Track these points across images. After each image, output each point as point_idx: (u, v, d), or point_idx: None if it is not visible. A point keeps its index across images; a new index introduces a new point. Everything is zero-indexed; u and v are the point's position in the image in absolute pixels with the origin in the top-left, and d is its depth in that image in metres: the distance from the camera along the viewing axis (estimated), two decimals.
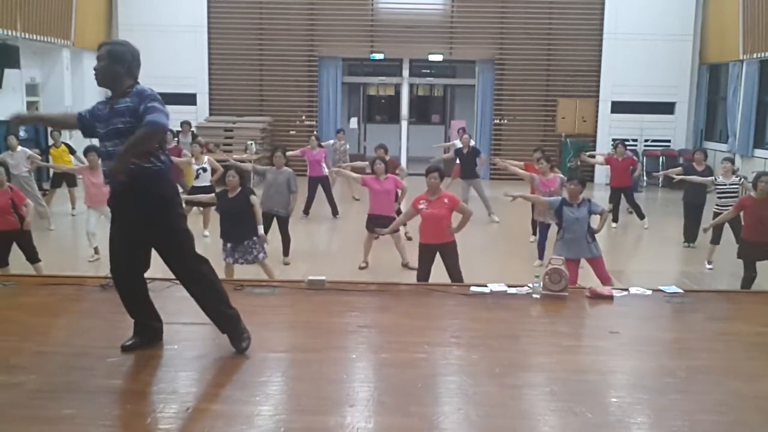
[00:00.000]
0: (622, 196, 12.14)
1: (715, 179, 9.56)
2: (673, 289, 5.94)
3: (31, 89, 16.00)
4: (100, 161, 8.79)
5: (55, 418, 3.44)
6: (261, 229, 7.36)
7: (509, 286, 5.83)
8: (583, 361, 4.42)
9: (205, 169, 10.39)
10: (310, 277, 5.84)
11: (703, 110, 18.41)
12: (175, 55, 17.52)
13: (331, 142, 14.44)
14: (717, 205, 9.35)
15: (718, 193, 9.33)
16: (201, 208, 10.47)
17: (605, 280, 6.80)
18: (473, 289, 5.81)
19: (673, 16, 17.72)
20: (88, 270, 8.33)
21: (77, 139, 15.57)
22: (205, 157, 10.60)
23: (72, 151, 12.75)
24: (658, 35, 17.57)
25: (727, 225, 8.88)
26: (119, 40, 4.36)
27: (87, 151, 9.54)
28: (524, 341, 4.77)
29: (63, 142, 12.87)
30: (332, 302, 5.48)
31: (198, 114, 18.10)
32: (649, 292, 5.83)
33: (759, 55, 15.42)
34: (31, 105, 15.98)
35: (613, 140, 15.86)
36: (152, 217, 4.10)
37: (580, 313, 5.50)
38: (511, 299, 5.62)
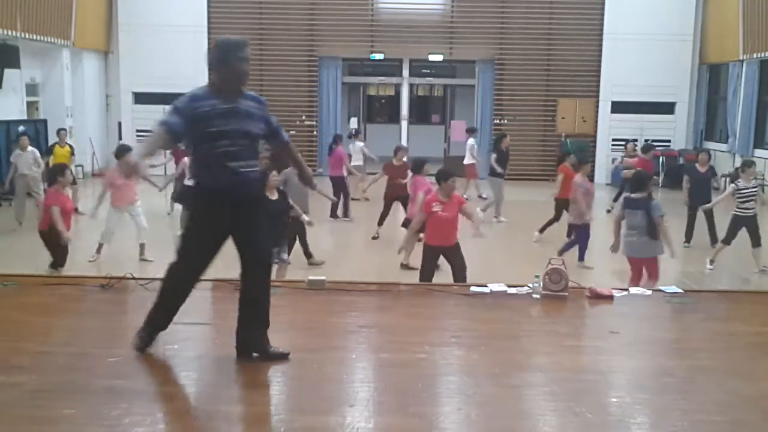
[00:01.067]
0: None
1: (737, 184, 9.46)
2: (673, 289, 5.94)
3: (31, 89, 16.00)
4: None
5: (55, 418, 3.44)
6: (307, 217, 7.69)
7: (509, 286, 5.82)
8: (583, 361, 4.42)
9: None
10: (310, 277, 5.84)
11: (703, 110, 18.42)
12: (175, 55, 17.52)
13: (360, 144, 14.26)
14: (739, 208, 9.20)
15: (740, 197, 9.20)
16: None
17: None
18: (473, 289, 5.80)
19: (673, 16, 17.73)
20: (90, 270, 8.33)
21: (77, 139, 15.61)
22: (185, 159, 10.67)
23: (73, 153, 12.83)
24: (658, 35, 17.58)
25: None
26: None
27: (122, 151, 8.94)
28: (524, 341, 4.77)
29: (68, 143, 12.90)
30: (332, 302, 5.48)
31: None
32: (649, 292, 5.84)
33: (759, 55, 15.43)
34: (31, 105, 15.99)
35: (627, 141, 15.81)
36: (258, 213, 4.12)
37: (580, 313, 5.50)
38: (511, 299, 5.61)
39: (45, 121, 15.83)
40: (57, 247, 7.24)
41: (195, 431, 3.41)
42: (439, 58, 18.54)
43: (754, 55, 15.58)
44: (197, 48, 17.99)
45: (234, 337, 4.26)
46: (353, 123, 20.20)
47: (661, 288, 5.98)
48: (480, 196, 13.56)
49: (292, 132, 18.49)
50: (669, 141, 18.38)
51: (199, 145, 3.99)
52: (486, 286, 5.86)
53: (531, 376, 4.16)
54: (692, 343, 4.85)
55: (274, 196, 7.23)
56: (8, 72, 14.30)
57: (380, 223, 10.69)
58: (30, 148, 11.46)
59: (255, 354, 4.17)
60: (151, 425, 3.38)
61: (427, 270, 6.99)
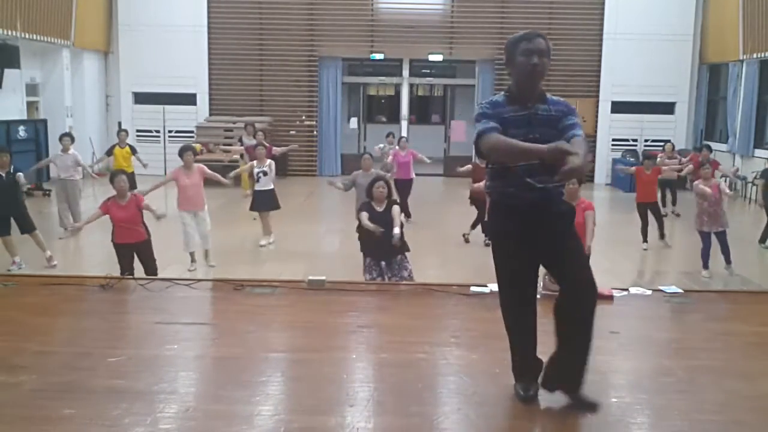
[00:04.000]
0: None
1: None
2: (673, 289, 5.94)
3: (31, 89, 16.01)
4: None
5: (55, 418, 3.44)
6: (398, 231, 6.58)
7: None
8: None
9: (266, 173, 10.03)
10: (310, 277, 5.84)
11: (703, 110, 18.42)
12: (175, 55, 17.53)
13: (398, 147, 12.99)
14: None
15: None
16: (259, 214, 10.29)
17: None
18: (473, 289, 5.80)
19: (673, 16, 17.73)
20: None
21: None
22: (268, 161, 10.18)
23: (134, 151, 12.64)
24: (658, 35, 17.58)
25: None
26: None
27: (183, 150, 8.69)
28: None
29: (128, 144, 12.77)
30: (332, 302, 5.48)
31: (198, 114, 18.10)
32: (649, 292, 5.84)
33: (759, 55, 15.43)
34: (31, 105, 15.99)
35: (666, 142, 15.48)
36: (566, 231, 3.70)
37: None
38: None
39: (45, 121, 15.85)
40: (144, 258, 7.21)
41: (195, 431, 3.41)
42: (439, 58, 18.53)
43: (754, 55, 15.58)
44: (197, 48, 18.05)
45: (234, 337, 4.28)
46: (353, 123, 20.22)
47: (661, 288, 5.98)
48: None
49: (292, 132, 18.54)
50: (669, 141, 18.36)
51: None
52: (486, 286, 5.85)
53: None
54: (692, 343, 4.84)
55: (381, 207, 6.78)
56: (8, 72, 14.31)
57: (475, 227, 10.42)
58: (72, 150, 10.70)
59: (560, 389, 3.71)
60: (151, 425, 3.39)
61: None
